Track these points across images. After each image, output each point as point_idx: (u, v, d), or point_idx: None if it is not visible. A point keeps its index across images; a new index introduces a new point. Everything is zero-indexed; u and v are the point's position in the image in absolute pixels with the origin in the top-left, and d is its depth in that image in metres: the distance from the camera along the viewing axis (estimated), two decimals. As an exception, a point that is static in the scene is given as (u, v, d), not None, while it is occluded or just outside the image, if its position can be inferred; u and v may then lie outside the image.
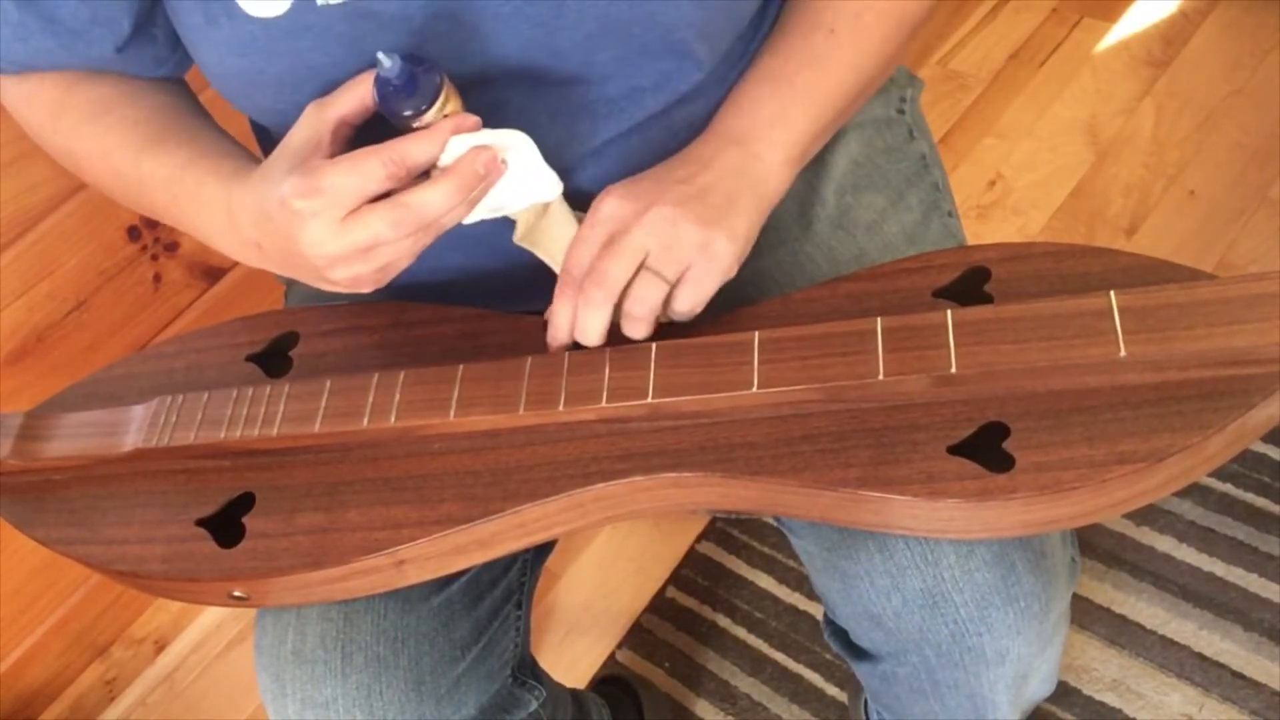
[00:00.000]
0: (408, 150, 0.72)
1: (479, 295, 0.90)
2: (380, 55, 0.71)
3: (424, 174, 0.74)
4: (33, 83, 0.89)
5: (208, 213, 0.82)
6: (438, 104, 0.73)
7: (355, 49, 0.76)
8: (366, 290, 0.77)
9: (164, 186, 0.85)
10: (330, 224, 0.72)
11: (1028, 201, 1.90)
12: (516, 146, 0.76)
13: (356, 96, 0.74)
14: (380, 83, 0.73)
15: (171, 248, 1.53)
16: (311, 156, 0.74)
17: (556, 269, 0.82)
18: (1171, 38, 2.06)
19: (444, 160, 0.74)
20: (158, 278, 1.52)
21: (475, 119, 0.74)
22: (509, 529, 0.75)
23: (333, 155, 0.74)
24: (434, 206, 0.72)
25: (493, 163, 0.74)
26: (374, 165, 0.71)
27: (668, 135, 0.86)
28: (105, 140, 0.87)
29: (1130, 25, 2.10)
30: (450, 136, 0.73)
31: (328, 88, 0.76)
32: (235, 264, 1.61)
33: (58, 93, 0.89)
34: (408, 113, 0.73)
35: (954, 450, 0.67)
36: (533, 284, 0.86)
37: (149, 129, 0.87)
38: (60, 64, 0.87)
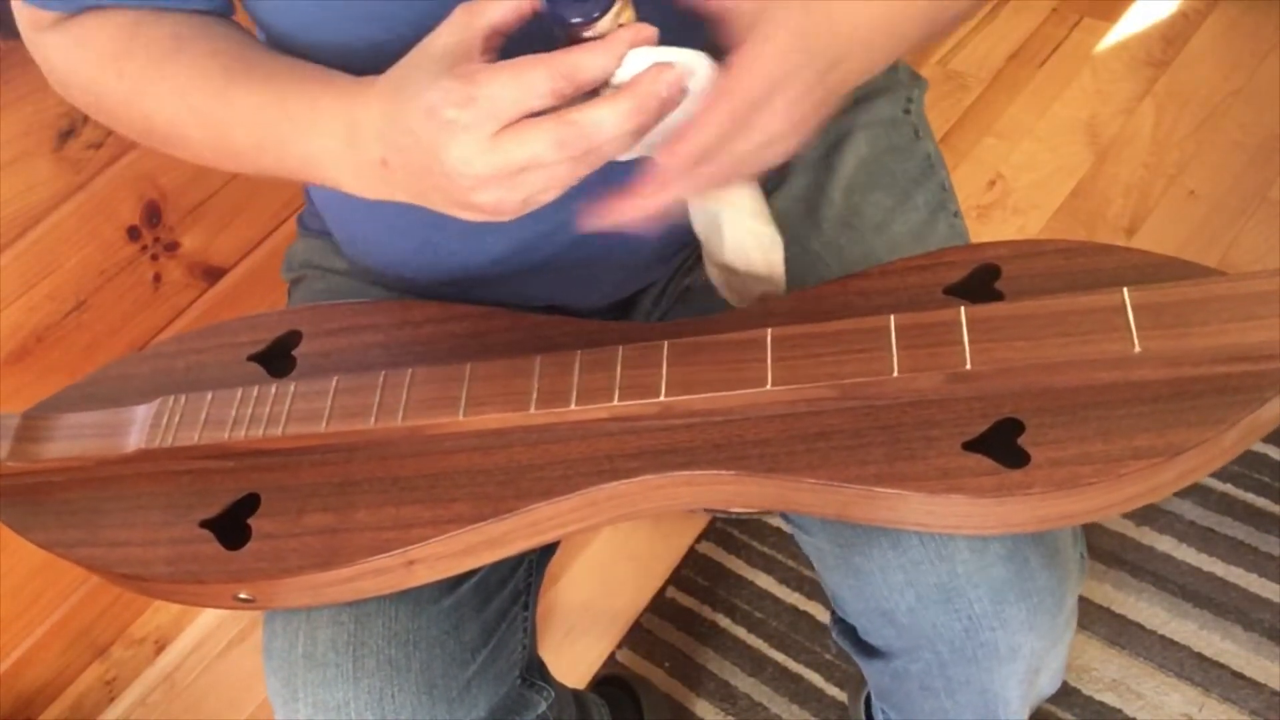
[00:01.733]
0: (580, 63, 0.64)
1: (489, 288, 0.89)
2: None
3: (590, 94, 0.66)
4: (91, 25, 0.83)
5: (319, 135, 0.74)
6: (613, 11, 0.64)
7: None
8: (506, 218, 0.68)
9: (256, 118, 0.77)
10: (483, 138, 0.64)
11: (1028, 201, 1.90)
12: (697, 70, 0.67)
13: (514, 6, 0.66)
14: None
15: (172, 248, 1.52)
16: (461, 63, 0.65)
17: (724, 222, 0.75)
18: (1171, 38, 2.06)
19: (619, 77, 0.66)
20: (158, 278, 1.52)
21: (653, 30, 0.65)
22: (521, 528, 0.75)
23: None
24: (606, 128, 0.63)
25: (675, 84, 0.65)
26: (540, 77, 0.63)
27: None
28: (181, 78, 0.80)
29: (1130, 25, 2.11)
30: (628, 50, 0.64)
31: (370, 30, 0.74)
32: (236, 264, 1.60)
33: (123, 34, 0.82)
34: (576, 19, 0.64)
35: (969, 446, 0.67)
36: (540, 277, 0.86)
37: (232, 62, 0.79)
38: None
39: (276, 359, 0.88)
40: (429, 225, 0.81)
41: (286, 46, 0.81)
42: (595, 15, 0.64)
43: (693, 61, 0.66)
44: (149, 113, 0.83)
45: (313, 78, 0.75)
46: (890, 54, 0.74)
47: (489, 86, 0.63)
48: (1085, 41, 2.11)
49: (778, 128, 0.67)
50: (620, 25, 0.65)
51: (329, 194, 0.95)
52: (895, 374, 0.70)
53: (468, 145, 0.64)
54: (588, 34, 0.65)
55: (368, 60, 0.73)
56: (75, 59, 0.85)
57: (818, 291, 0.79)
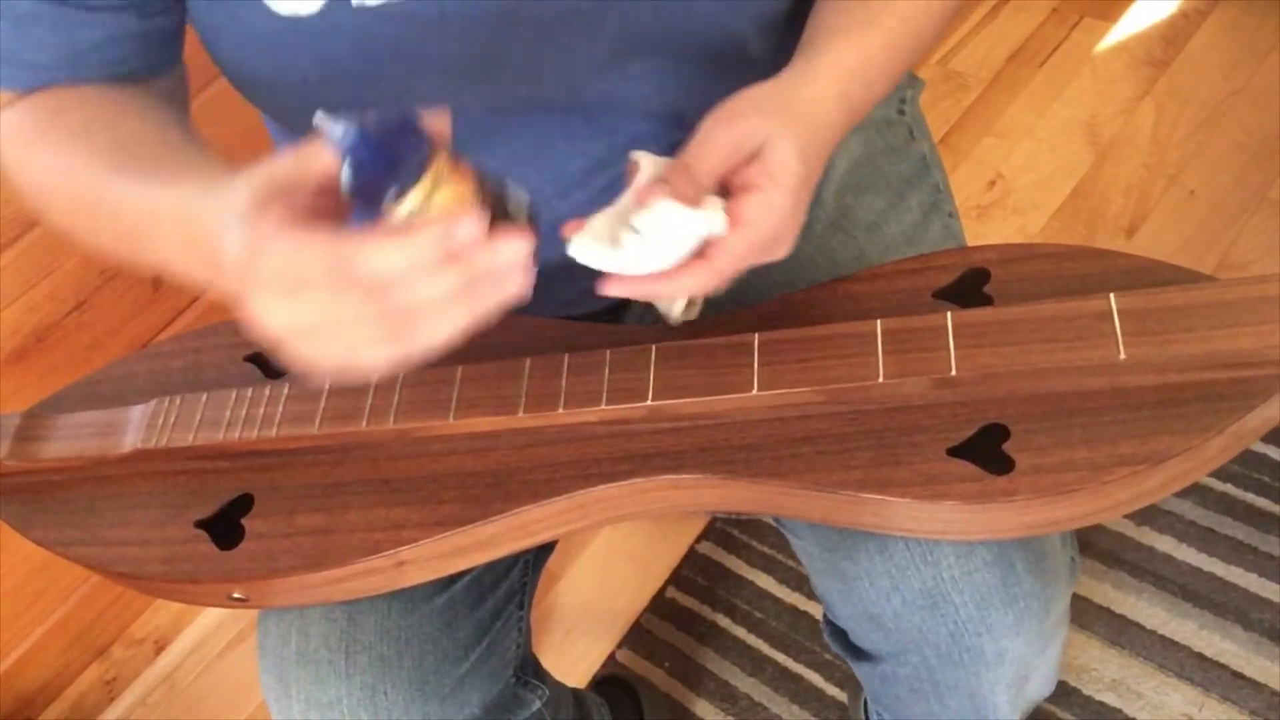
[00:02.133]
0: (358, 256, 0.56)
1: None
2: (321, 117, 0.57)
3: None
4: (21, 106, 0.80)
5: (165, 238, 0.71)
6: (420, 188, 0.56)
7: (390, 51, 0.75)
8: (327, 375, 0.64)
9: (135, 204, 0.73)
10: (271, 296, 0.59)
11: (1028, 201, 1.90)
12: (716, 227, 0.69)
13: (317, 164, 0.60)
14: (342, 149, 0.56)
15: (171, 248, 1.52)
16: (275, 201, 0.60)
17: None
18: (1171, 38, 2.05)
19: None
20: (157, 278, 1.52)
21: (472, 227, 0.56)
22: (509, 530, 0.75)
23: (307, 210, 0.60)
24: (389, 270, 0.56)
25: (470, 236, 0.57)
26: (311, 258, 0.57)
27: None
28: (75, 158, 0.77)
29: (1130, 25, 2.10)
30: (429, 252, 0.55)
31: (358, 90, 0.75)
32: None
33: (46, 113, 0.79)
34: (387, 201, 0.56)
35: (954, 452, 0.67)
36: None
37: (130, 149, 0.76)
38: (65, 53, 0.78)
39: (272, 359, 0.89)
40: None
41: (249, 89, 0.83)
42: (394, 191, 0.55)
43: (716, 223, 0.69)
44: (49, 190, 0.80)
45: (189, 173, 0.73)
46: (851, 126, 0.79)
47: (269, 252, 0.58)
48: (1085, 41, 2.10)
49: (789, 243, 0.73)
50: (433, 201, 0.56)
51: None
52: (881, 379, 0.70)
53: (260, 299, 0.60)
54: (390, 212, 0.56)
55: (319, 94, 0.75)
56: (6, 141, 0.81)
57: (806, 295, 0.79)
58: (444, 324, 0.58)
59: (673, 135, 0.81)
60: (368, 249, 0.55)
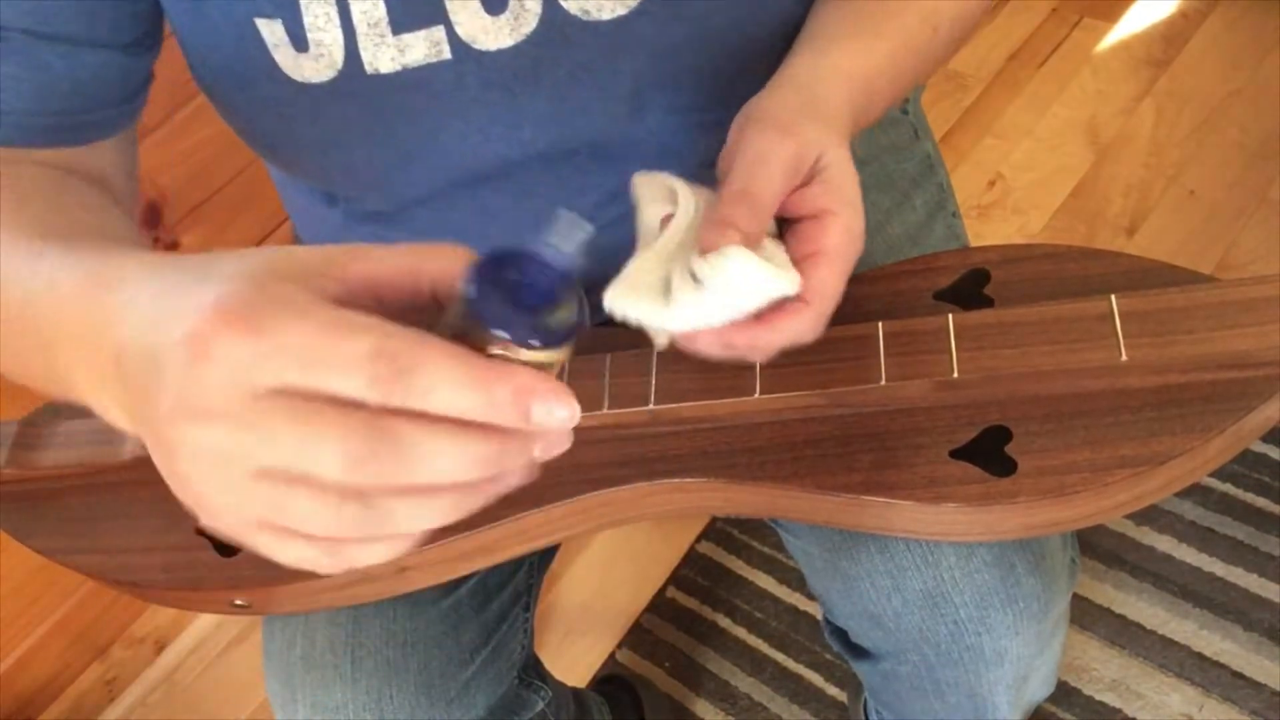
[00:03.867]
0: (463, 376, 0.43)
1: None
2: (563, 214, 0.47)
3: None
4: None
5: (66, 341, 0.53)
6: (560, 351, 0.46)
7: (405, 115, 0.74)
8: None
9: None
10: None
11: (1028, 201, 1.90)
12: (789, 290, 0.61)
13: (418, 266, 0.47)
14: (491, 270, 0.46)
15: (172, 248, 1.52)
16: (302, 287, 0.45)
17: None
18: (1171, 38, 2.06)
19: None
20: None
21: (572, 408, 0.44)
22: (511, 535, 0.75)
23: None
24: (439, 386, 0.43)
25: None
26: (359, 344, 0.42)
27: None
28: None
29: (1130, 25, 2.10)
30: (510, 412, 0.43)
31: (370, 151, 0.74)
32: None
33: None
34: (501, 335, 0.44)
35: (956, 454, 0.67)
36: None
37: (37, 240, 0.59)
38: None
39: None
40: None
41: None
42: (532, 342, 0.45)
43: (792, 284, 0.61)
44: None
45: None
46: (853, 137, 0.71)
47: (299, 335, 0.43)
48: (1085, 41, 2.10)
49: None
50: (538, 364, 0.45)
51: (304, 220, 0.95)
52: (883, 382, 0.70)
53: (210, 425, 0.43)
54: (494, 351, 0.45)
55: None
56: None
57: (806, 297, 0.79)
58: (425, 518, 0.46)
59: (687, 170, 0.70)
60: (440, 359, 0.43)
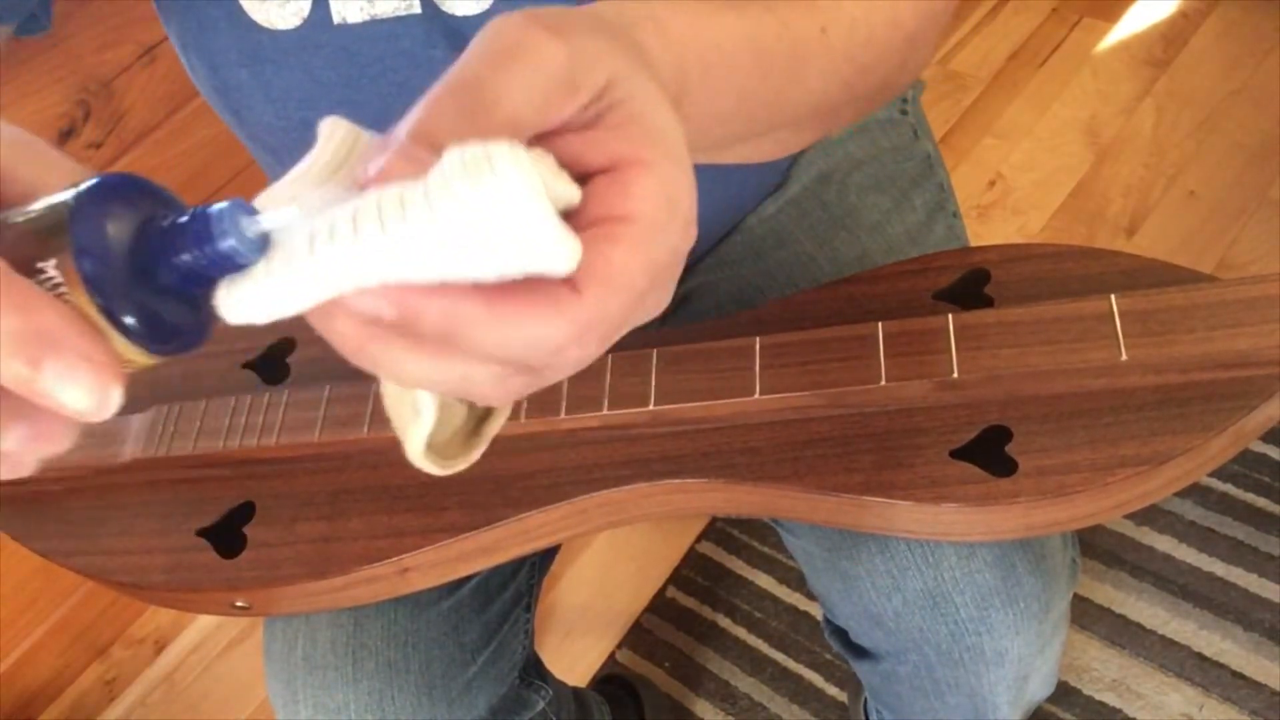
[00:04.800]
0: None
1: None
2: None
3: None
4: None
5: None
6: (141, 352, 0.37)
7: (373, 70, 0.74)
8: None
9: None
10: None
11: (1028, 201, 1.90)
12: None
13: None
14: (127, 199, 0.36)
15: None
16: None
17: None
18: (1171, 38, 2.06)
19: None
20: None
21: (105, 391, 0.35)
22: (512, 536, 0.75)
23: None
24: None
25: None
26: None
27: None
28: None
29: (1130, 25, 2.10)
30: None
31: (337, 106, 0.75)
32: (235, 265, 1.60)
33: None
34: (81, 268, 0.34)
35: (956, 454, 0.67)
36: None
37: None
38: None
39: (270, 366, 0.88)
40: None
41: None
42: (128, 320, 0.36)
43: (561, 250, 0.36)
44: None
45: None
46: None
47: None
48: (1085, 41, 2.10)
49: (673, 283, 0.42)
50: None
51: None
52: (883, 382, 0.70)
53: None
54: (50, 276, 0.34)
55: None
56: None
57: (806, 297, 0.79)
58: None
59: None
60: None
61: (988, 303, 0.74)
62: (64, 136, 1.36)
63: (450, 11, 0.72)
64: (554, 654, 1.57)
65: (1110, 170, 1.90)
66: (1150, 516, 1.50)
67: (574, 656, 1.56)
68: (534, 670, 1.03)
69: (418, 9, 0.71)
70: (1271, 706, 1.33)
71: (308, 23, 0.72)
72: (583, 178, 0.39)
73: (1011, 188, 1.92)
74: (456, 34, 0.72)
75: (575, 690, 1.25)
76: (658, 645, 1.55)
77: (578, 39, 0.40)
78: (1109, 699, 1.38)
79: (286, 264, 0.35)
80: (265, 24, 0.72)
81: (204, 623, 1.69)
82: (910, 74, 0.65)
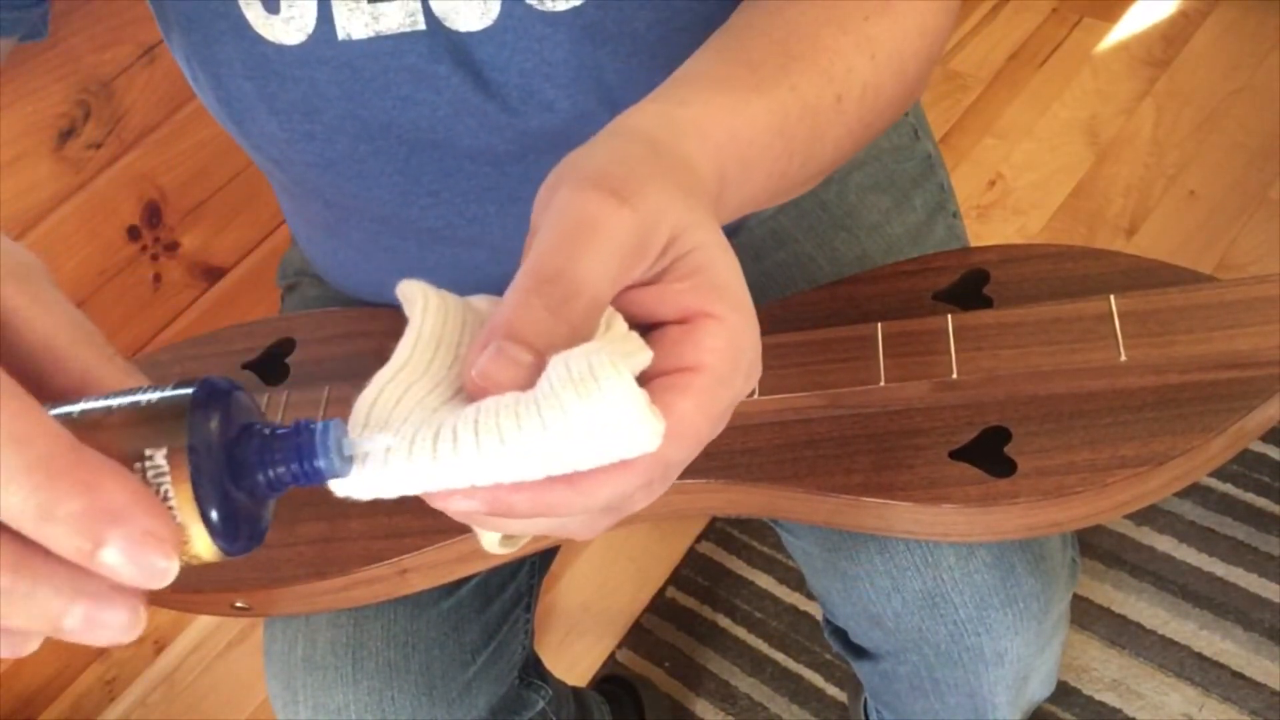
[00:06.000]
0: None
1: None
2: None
3: None
4: None
5: None
6: (214, 546, 0.38)
7: (377, 86, 0.74)
8: None
9: None
10: None
11: (1028, 201, 1.90)
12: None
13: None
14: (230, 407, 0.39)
15: (172, 248, 1.52)
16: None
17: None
18: (1171, 38, 2.05)
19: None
20: (158, 278, 1.52)
21: (167, 562, 0.34)
22: (511, 535, 0.75)
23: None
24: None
25: None
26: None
27: None
28: None
29: (1130, 25, 2.10)
30: None
31: (341, 120, 0.74)
32: (235, 264, 1.61)
33: None
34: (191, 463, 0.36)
35: (956, 455, 0.67)
36: None
37: None
38: None
39: (270, 366, 0.88)
40: (402, 261, 0.83)
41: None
42: (214, 516, 0.37)
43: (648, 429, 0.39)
44: None
45: None
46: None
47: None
48: (1085, 41, 2.10)
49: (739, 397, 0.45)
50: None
51: (300, 224, 0.95)
52: (882, 383, 0.70)
53: None
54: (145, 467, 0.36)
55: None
56: None
57: (805, 297, 0.79)
58: None
59: None
60: None
61: (987, 303, 0.74)
62: (64, 137, 1.36)
63: (454, 28, 0.72)
64: (554, 654, 1.57)
65: (1110, 170, 1.90)
66: (1150, 516, 1.50)
67: (574, 656, 1.56)
68: (534, 670, 1.03)
69: (422, 26, 0.72)
70: (1271, 706, 1.33)
71: (312, 38, 0.72)
72: (650, 325, 0.44)
73: (1011, 188, 1.92)
74: (460, 50, 0.72)
75: (575, 690, 1.25)
76: (658, 645, 1.55)
77: (640, 200, 0.43)
78: (1109, 699, 1.38)
79: (406, 461, 0.40)
80: (270, 39, 0.72)
81: (204, 623, 1.69)
82: (910, 105, 0.68)
